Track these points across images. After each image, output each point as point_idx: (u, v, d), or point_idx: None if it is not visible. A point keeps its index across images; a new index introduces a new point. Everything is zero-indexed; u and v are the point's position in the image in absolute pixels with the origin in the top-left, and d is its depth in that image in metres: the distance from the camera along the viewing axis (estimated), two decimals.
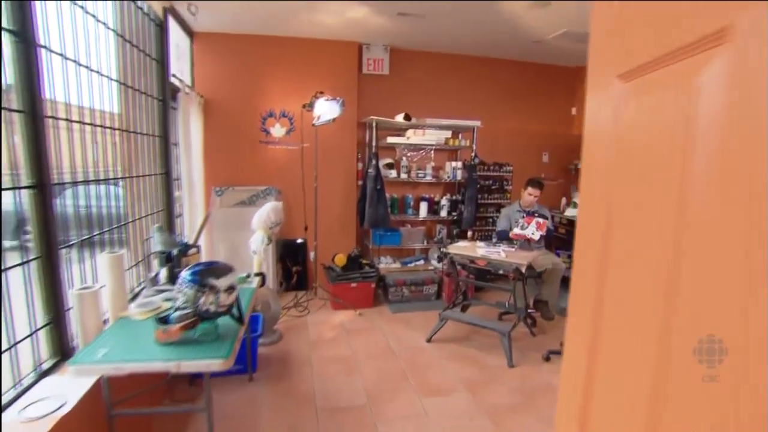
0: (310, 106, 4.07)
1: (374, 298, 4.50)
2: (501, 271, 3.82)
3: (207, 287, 1.68)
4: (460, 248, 3.79)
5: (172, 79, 3.49)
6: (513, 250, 3.82)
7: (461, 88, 5.35)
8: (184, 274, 1.74)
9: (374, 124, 4.62)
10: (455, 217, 5.16)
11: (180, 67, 3.91)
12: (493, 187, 5.38)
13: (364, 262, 4.62)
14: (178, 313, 1.69)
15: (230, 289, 1.75)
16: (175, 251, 2.59)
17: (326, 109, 3.89)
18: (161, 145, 3.33)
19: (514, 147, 5.60)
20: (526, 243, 3.89)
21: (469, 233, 4.28)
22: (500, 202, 5.36)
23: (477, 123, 4.83)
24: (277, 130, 4.66)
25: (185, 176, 3.70)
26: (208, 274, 1.71)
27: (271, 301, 3.60)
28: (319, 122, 4.02)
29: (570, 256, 4.84)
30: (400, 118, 4.58)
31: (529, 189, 4.17)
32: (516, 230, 3.82)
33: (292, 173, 4.73)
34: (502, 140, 5.51)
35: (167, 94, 3.36)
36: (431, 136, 4.79)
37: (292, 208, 4.77)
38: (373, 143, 4.66)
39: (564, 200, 5.43)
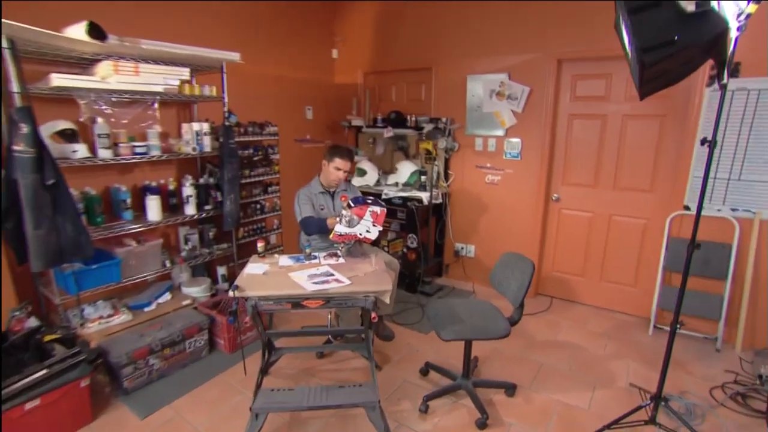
0: None
1: (91, 401, 2.25)
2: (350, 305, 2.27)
3: None
4: (263, 283, 2.11)
5: None
6: (341, 260, 2.45)
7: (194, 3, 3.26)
8: None
9: (11, 45, 2.09)
10: (210, 213, 3.26)
11: None
12: (256, 158, 3.70)
13: (50, 337, 2.24)
14: None
15: None
16: None
17: None
18: None
19: (270, 100, 4.01)
20: (357, 245, 2.57)
21: (259, 245, 2.55)
22: (267, 179, 3.76)
23: (233, 56, 2.94)
24: None
25: None
26: None
27: None
28: None
29: None
30: (78, 32, 2.21)
31: (337, 161, 2.78)
32: (340, 228, 2.41)
33: None
34: (254, 91, 3.81)
35: None
36: (151, 77, 2.61)
37: None
38: (15, 88, 2.14)
39: None
